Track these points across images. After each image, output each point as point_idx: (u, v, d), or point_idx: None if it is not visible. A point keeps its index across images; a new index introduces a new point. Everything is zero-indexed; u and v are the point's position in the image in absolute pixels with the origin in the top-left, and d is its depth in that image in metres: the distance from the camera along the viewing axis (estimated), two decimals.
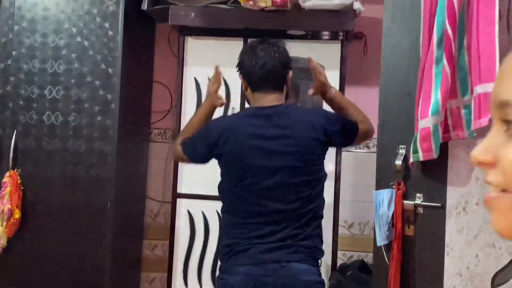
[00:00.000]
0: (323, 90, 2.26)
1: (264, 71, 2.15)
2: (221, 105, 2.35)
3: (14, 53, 2.89)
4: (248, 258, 2.09)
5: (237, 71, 2.22)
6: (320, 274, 2.15)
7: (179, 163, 3.08)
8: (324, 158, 2.22)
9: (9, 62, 2.89)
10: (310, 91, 2.27)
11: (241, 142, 2.11)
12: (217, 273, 2.30)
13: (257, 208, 2.11)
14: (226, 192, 2.21)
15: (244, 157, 2.11)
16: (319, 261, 2.20)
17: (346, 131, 2.17)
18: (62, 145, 2.86)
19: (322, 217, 2.20)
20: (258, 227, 2.11)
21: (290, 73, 2.22)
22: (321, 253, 2.20)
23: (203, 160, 2.29)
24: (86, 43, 2.87)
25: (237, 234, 2.13)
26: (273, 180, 2.10)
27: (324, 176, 2.17)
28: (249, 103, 2.28)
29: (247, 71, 2.17)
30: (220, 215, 2.90)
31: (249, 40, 3.02)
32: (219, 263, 2.73)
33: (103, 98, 2.85)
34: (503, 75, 0.68)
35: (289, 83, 2.24)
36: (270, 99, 2.17)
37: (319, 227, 2.17)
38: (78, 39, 2.88)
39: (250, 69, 2.16)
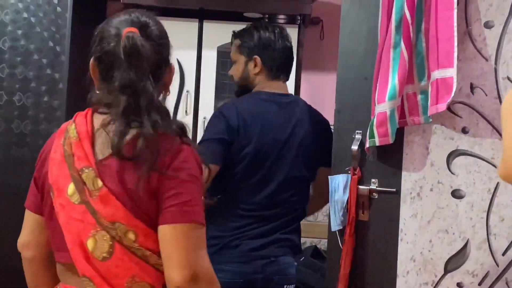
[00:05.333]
0: None
1: (286, 58, 2.14)
2: None
3: None
4: (237, 256, 2.02)
5: (246, 51, 2.12)
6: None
7: None
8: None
9: None
10: None
11: (263, 131, 2.03)
12: None
13: (266, 201, 2.05)
14: (239, 180, 2.04)
15: (265, 144, 2.03)
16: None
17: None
18: (7, 126, 2.73)
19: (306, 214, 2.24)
20: (257, 220, 2.04)
21: None
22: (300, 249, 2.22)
23: (223, 158, 1.99)
24: (33, 19, 2.74)
25: (231, 226, 2.03)
26: (285, 171, 2.07)
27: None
28: (248, 87, 2.16)
29: (270, 56, 2.10)
30: None
31: (205, 21, 2.96)
32: None
33: (50, 77, 2.74)
34: None
35: None
36: (283, 88, 2.15)
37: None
38: (25, 15, 2.75)
39: (273, 54, 2.11)
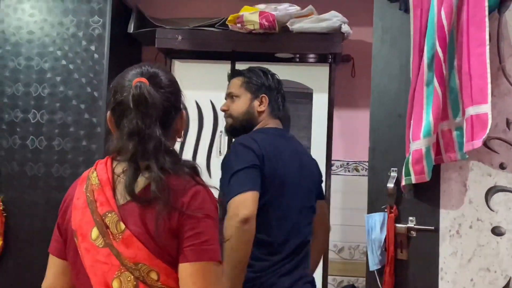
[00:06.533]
0: None
1: (284, 101, 2.23)
2: None
3: None
4: None
5: (254, 89, 2.17)
6: None
7: None
8: None
9: None
10: None
11: (283, 161, 2.05)
12: None
13: (291, 231, 2.03)
14: (267, 211, 2.00)
15: (285, 174, 2.04)
16: None
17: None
18: (46, 170, 2.80)
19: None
20: (285, 256, 2.02)
21: None
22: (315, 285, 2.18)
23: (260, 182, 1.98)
24: (71, 66, 2.83)
25: (264, 265, 1.99)
26: (301, 200, 2.08)
27: None
28: (250, 123, 2.17)
29: (274, 98, 2.18)
30: None
31: (237, 63, 3.01)
32: None
33: (88, 122, 2.81)
34: None
35: None
36: (281, 126, 2.22)
37: None
38: (63, 62, 2.84)
39: (276, 96, 2.19)
